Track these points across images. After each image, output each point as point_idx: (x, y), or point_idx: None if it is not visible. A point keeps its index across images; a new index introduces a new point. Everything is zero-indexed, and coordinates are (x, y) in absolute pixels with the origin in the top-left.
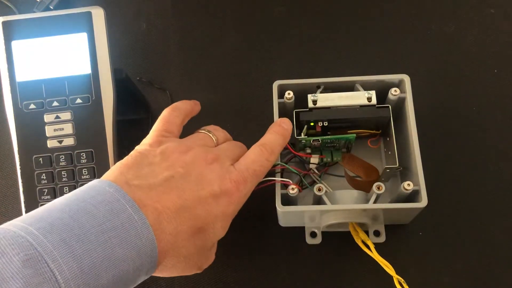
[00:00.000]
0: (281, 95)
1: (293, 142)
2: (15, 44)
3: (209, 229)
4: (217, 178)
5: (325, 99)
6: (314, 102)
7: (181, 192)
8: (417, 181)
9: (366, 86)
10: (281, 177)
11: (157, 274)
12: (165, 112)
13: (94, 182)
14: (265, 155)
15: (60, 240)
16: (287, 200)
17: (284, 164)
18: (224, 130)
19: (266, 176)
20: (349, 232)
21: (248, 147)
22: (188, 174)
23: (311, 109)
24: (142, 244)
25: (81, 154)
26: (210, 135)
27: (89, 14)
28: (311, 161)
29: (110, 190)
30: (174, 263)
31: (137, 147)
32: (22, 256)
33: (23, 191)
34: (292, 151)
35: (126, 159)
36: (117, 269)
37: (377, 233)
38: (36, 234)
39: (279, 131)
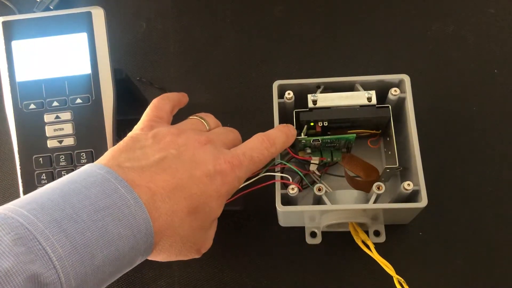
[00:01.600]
0: (281, 95)
1: (293, 142)
2: (15, 44)
3: (204, 208)
4: (211, 158)
5: (325, 99)
6: (314, 102)
7: (174, 171)
8: (417, 181)
9: (366, 86)
10: (281, 177)
11: (154, 257)
12: (154, 100)
13: (86, 166)
14: (266, 144)
15: (51, 219)
16: (287, 200)
17: (285, 163)
18: (215, 118)
19: (267, 177)
20: (349, 232)
21: None
22: (181, 155)
23: (311, 109)
24: (137, 223)
25: (81, 154)
26: (202, 120)
27: (89, 14)
28: (312, 162)
29: (101, 172)
30: (171, 244)
31: (129, 133)
32: (12, 235)
33: (23, 191)
34: (292, 153)
35: (118, 144)
36: (112, 247)
37: (377, 233)
38: (26, 215)
39: (284, 130)
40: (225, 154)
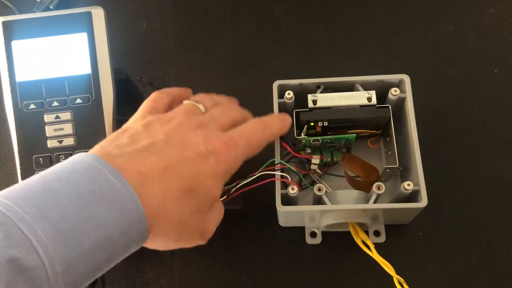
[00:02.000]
0: (281, 95)
1: (293, 142)
2: (15, 44)
3: (200, 189)
4: (203, 139)
5: (325, 99)
6: (314, 102)
7: (163, 154)
8: (417, 181)
9: (366, 86)
10: (281, 176)
11: (152, 243)
12: (152, 94)
13: (75, 155)
14: (261, 127)
15: (32, 206)
16: (287, 200)
17: (285, 163)
18: (215, 95)
19: (266, 176)
20: (349, 232)
21: None
22: (170, 140)
23: (311, 109)
24: (126, 207)
25: None
26: (197, 104)
27: (89, 14)
28: (313, 161)
29: (87, 159)
30: (167, 229)
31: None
32: None
33: None
34: (292, 152)
35: (109, 135)
36: (99, 232)
37: (377, 233)
38: (7, 203)
39: (279, 116)
40: (218, 135)
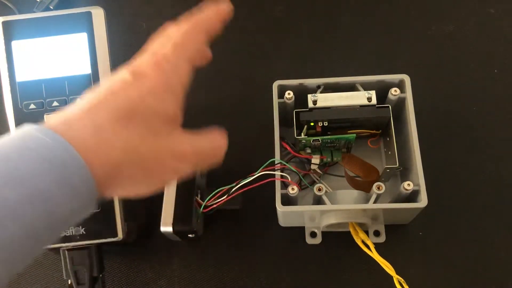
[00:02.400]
0: (281, 95)
1: (293, 142)
2: (15, 44)
3: (140, 110)
4: (128, 67)
5: (325, 99)
6: (314, 102)
7: (90, 95)
8: (417, 181)
9: (366, 86)
10: (281, 176)
11: (118, 187)
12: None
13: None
14: (190, 25)
15: None
16: (287, 200)
17: (285, 163)
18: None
19: (266, 176)
20: (349, 232)
21: (248, 146)
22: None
23: (311, 109)
24: (50, 153)
25: None
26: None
27: (89, 14)
28: (313, 161)
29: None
30: (120, 162)
31: None
32: None
33: None
34: (292, 152)
35: None
36: (26, 185)
37: (377, 233)
38: None
39: (215, 10)
40: (142, 57)
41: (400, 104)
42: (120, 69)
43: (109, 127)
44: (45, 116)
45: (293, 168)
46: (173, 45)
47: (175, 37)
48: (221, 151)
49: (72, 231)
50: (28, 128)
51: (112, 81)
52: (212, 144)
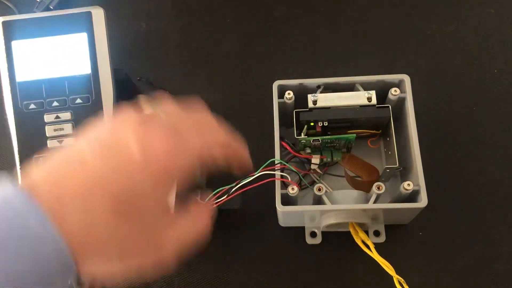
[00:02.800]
0: (281, 95)
1: (293, 142)
2: (15, 44)
3: (138, 202)
4: (141, 137)
5: (325, 99)
6: (314, 102)
7: (87, 165)
8: (417, 181)
9: (366, 86)
10: (281, 176)
11: (90, 268)
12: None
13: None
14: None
15: None
16: (287, 200)
17: (285, 163)
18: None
19: (265, 176)
20: (349, 232)
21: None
22: (102, 142)
23: (311, 109)
24: (35, 235)
25: None
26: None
27: (89, 14)
28: (313, 161)
29: (6, 192)
30: (101, 250)
31: None
32: None
33: None
34: (292, 152)
35: None
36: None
37: (377, 233)
38: None
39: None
40: (161, 129)
41: (400, 104)
42: (131, 131)
43: (101, 219)
44: (31, 169)
45: (293, 168)
46: (196, 131)
47: (199, 123)
48: (206, 233)
49: None
50: (12, 198)
51: (119, 150)
52: (195, 227)
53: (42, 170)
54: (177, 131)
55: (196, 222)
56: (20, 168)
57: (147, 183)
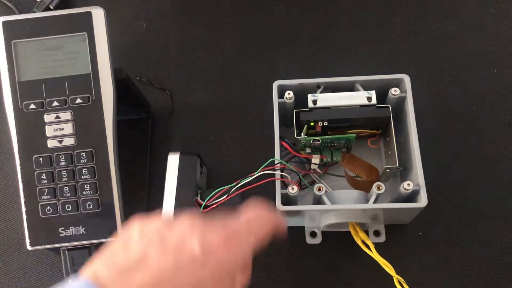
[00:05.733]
0: (281, 95)
1: (293, 142)
2: (15, 44)
3: None
4: (199, 238)
5: (325, 99)
6: (314, 102)
7: (155, 267)
8: (417, 181)
9: (366, 86)
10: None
11: None
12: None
13: (73, 283)
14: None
15: None
16: (287, 200)
17: (285, 163)
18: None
19: (265, 176)
20: (349, 232)
21: (248, 146)
22: (165, 246)
23: (311, 109)
24: None
25: (81, 154)
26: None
27: (89, 14)
28: (313, 161)
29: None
30: None
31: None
32: None
33: (23, 191)
34: (292, 152)
35: (109, 245)
36: None
37: (377, 233)
38: None
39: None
40: (217, 230)
41: (400, 104)
42: (190, 228)
43: None
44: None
45: (293, 168)
46: (249, 228)
47: (253, 220)
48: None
49: (72, 231)
50: None
51: (182, 245)
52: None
53: (108, 266)
54: (233, 231)
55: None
56: (20, 168)
57: (208, 278)
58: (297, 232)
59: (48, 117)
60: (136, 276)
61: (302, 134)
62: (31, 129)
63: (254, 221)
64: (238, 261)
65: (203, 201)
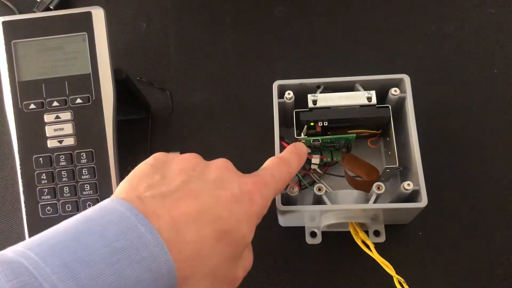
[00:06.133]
0: (281, 95)
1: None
2: (15, 44)
3: (235, 232)
4: (236, 179)
5: (325, 99)
6: (314, 102)
7: (198, 194)
8: (417, 181)
9: (366, 86)
10: None
11: None
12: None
13: (105, 201)
14: (282, 166)
15: (61, 264)
16: (287, 200)
17: None
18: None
19: None
20: (349, 232)
21: (248, 146)
22: (203, 176)
23: (311, 109)
24: (157, 265)
25: (81, 154)
26: None
27: (89, 14)
28: (313, 161)
29: (120, 208)
30: (200, 278)
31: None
32: (14, 283)
33: (23, 191)
34: None
35: (135, 170)
36: None
37: (377, 233)
38: (34, 259)
39: (295, 151)
40: (249, 177)
41: (400, 104)
42: (230, 171)
43: (208, 245)
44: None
45: None
46: (272, 177)
47: (277, 172)
48: (251, 260)
49: None
50: (136, 222)
51: (222, 180)
52: (249, 254)
53: (157, 196)
54: (261, 179)
55: (250, 250)
56: (20, 168)
57: (243, 217)
58: (297, 232)
59: (48, 117)
60: (181, 200)
61: (302, 134)
62: (31, 129)
63: (277, 173)
64: (264, 206)
65: None
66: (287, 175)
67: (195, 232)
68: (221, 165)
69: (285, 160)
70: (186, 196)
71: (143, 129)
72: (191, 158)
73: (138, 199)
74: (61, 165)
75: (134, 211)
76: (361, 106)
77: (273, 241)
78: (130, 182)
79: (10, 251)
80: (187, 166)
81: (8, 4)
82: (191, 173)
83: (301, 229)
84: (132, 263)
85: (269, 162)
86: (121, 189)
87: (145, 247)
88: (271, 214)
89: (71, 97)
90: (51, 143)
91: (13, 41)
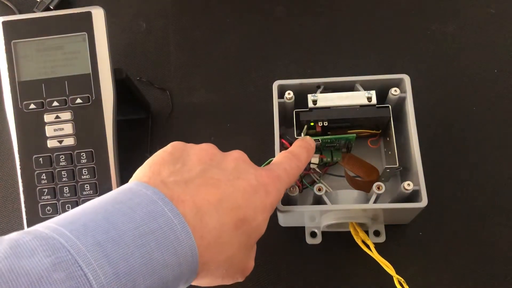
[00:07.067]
0: (281, 95)
1: (293, 141)
2: (15, 44)
3: (252, 221)
4: (253, 171)
5: (325, 99)
6: (314, 102)
7: (217, 182)
8: (417, 181)
9: (366, 86)
10: None
11: (198, 281)
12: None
13: (131, 184)
14: (292, 159)
15: (94, 242)
16: (287, 200)
17: None
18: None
19: None
20: (349, 232)
21: (248, 146)
22: (221, 165)
23: (311, 109)
24: (182, 249)
25: (81, 154)
26: None
27: (89, 14)
28: (312, 161)
29: (147, 192)
30: (217, 265)
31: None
32: (53, 258)
33: (23, 191)
34: None
35: (155, 156)
36: (155, 276)
37: (377, 233)
38: (69, 236)
39: (303, 145)
40: (263, 170)
41: (400, 104)
42: (246, 162)
43: (228, 232)
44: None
45: None
46: (285, 171)
47: (288, 166)
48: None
49: None
50: (163, 206)
51: (240, 171)
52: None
53: (180, 182)
54: (275, 172)
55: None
56: (20, 168)
57: (260, 206)
58: (297, 232)
59: (48, 117)
60: (202, 187)
61: (302, 134)
62: (31, 129)
63: (289, 167)
64: (277, 198)
65: None
66: (297, 169)
67: (216, 219)
68: (238, 156)
69: (295, 154)
70: (207, 184)
71: (143, 129)
72: (208, 148)
73: (163, 184)
74: (61, 165)
75: (161, 195)
76: (361, 106)
77: (273, 241)
78: (150, 167)
79: (43, 227)
80: (205, 155)
81: (8, 4)
82: (209, 162)
83: (301, 229)
84: (160, 246)
85: (280, 157)
86: (141, 174)
87: (172, 231)
88: (271, 214)
89: (71, 97)
90: (51, 143)
91: (13, 41)
